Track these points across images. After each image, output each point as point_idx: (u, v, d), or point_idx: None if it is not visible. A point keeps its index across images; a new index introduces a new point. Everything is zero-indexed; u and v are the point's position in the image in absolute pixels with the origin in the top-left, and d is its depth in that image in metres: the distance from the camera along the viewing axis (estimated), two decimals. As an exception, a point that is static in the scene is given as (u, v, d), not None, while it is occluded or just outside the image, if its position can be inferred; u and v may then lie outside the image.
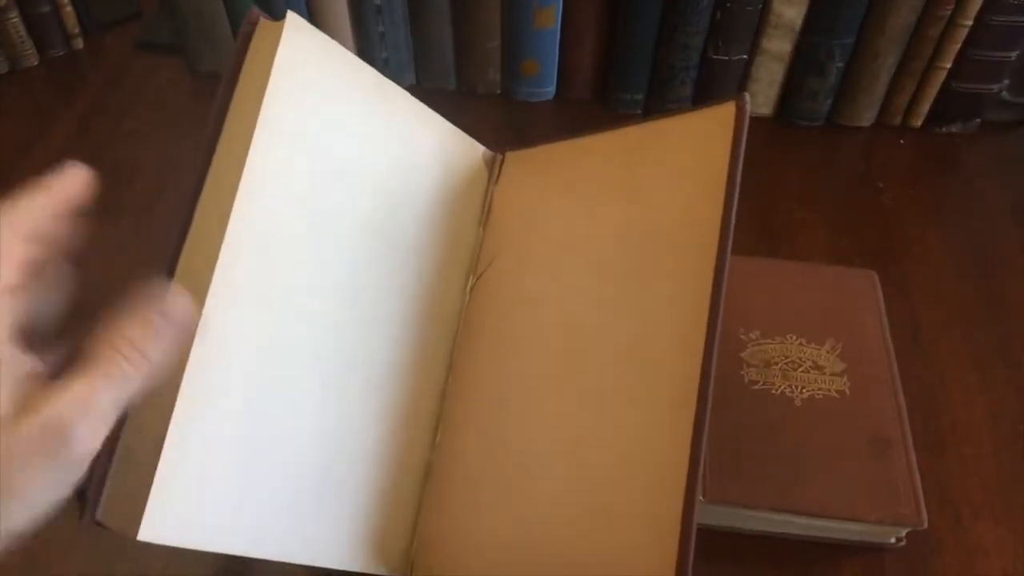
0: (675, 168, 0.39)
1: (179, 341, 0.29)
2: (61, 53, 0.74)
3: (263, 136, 0.33)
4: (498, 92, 0.71)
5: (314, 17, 0.68)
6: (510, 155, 0.47)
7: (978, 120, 0.69)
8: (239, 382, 0.33)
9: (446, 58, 0.70)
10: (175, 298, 0.29)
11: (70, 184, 0.30)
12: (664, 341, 0.36)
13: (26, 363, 0.26)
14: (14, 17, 0.70)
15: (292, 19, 0.36)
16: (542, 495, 0.37)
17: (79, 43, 0.75)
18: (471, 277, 0.45)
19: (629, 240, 0.39)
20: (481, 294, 0.44)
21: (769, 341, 0.48)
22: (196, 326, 0.30)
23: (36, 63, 0.73)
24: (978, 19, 0.61)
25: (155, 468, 0.30)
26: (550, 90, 0.70)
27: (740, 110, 0.37)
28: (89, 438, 0.25)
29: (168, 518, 0.30)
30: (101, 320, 0.27)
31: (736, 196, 0.36)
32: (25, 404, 0.25)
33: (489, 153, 0.47)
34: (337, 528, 0.37)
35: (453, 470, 0.41)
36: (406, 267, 0.42)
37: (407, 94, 0.43)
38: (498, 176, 0.47)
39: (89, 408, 0.25)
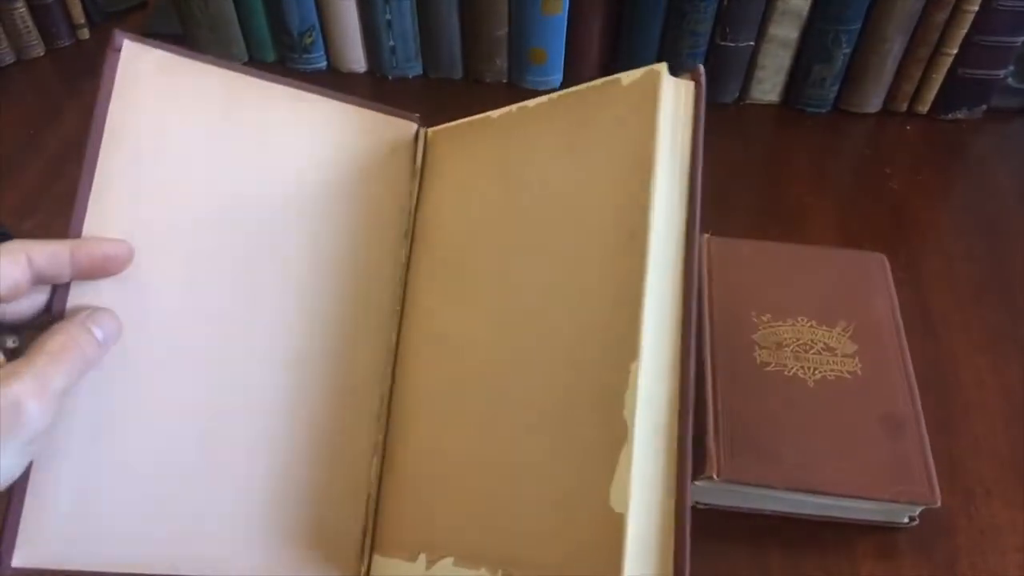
0: (604, 141, 0.37)
1: (114, 335, 0.33)
2: (67, 44, 0.74)
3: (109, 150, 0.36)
4: (505, 81, 0.72)
5: (321, 8, 0.68)
6: (434, 132, 0.45)
7: (984, 106, 0.69)
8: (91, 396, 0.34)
9: (453, 47, 0.70)
10: (103, 311, 0.33)
11: (108, 252, 0.34)
12: (596, 342, 0.33)
13: None
14: (20, 7, 0.70)
15: (127, 47, 0.36)
16: (487, 490, 0.35)
17: (85, 33, 0.75)
18: (401, 266, 0.43)
19: (565, 222, 0.37)
20: (416, 284, 0.43)
21: (781, 323, 0.48)
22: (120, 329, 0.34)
23: (42, 53, 0.73)
24: (984, 5, 0.61)
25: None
26: (557, 78, 0.70)
27: (697, 84, 0.35)
28: (42, 416, 0.29)
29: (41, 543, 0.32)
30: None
31: (699, 177, 0.34)
32: None
33: (413, 130, 0.45)
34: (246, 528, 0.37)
35: (406, 462, 0.39)
36: (298, 264, 0.40)
37: (275, 87, 0.41)
38: (423, 155, 0.45)
39: (41, 389, 0.29)
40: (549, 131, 0.39)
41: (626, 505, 0.29)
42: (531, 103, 0.41)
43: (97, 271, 0.33)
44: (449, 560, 0.35)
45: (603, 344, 0.33)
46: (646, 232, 0.33)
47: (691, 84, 0.35)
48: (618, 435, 0.31)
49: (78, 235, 0.34)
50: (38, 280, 0.32)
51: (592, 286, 0.34)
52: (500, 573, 0.33)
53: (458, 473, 0.37)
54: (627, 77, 0.36)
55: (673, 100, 0.35)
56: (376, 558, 0.38)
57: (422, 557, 0.36)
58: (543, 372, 0.35)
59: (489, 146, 0.42)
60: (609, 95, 0.37)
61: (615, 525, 0.29)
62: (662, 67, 0.35)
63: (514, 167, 0.40)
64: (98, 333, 0.32)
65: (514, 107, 0.41)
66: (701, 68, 0.35)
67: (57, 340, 0.31)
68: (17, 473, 0.30)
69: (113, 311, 0.33)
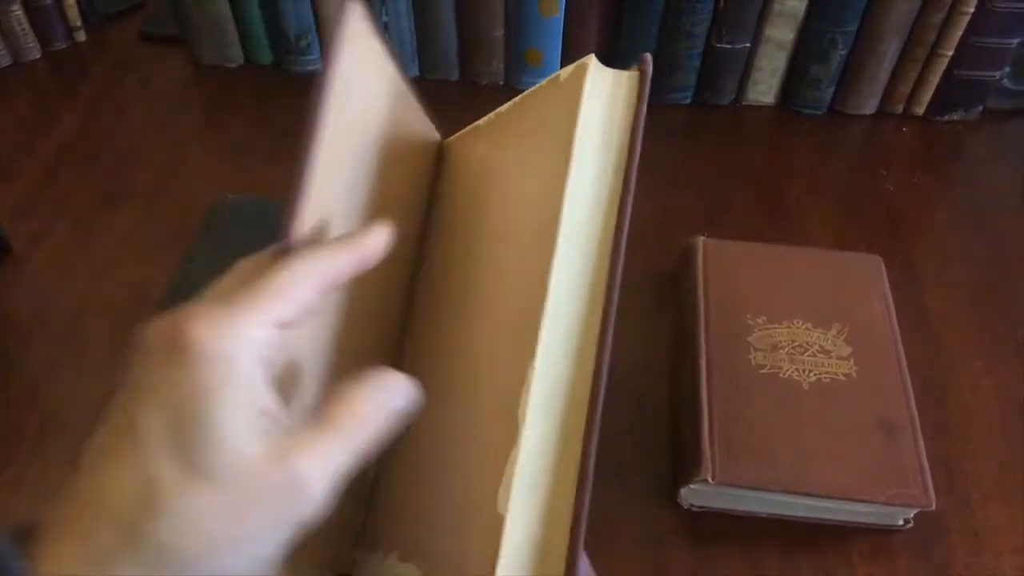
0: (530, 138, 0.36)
1: (399, 414, 0.29)
2: (64, 46, 0.74)
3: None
4: (502, 83, 0.72)
5: (318, 10, 0.68)
6: (448, 142, 0.45)
7: (980, 108, 0.69)
8: None
9: (450, 48, 0.70)
10: (399, 377, 0.29)
11: (374, 247, 0.31)
12: (507, 343, 0.33)
13: (269, 400, 0.26)
14: (16, 9, 0.70)
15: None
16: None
17: (82, 35, 0.75)
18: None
19: (508, 224, 0.36)
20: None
21: (776, 325, 0.48)
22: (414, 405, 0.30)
23: (38, 56, 0.73)
24: (980, 6, 0.61)
25: None
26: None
27: (642, 75, 0.34)
28: (323, 494, 0.25)
29: None
30: (341, 385, 0.28)
31: (634, 170, 0.32)
32: (273, 450, 0.25)
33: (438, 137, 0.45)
34: None
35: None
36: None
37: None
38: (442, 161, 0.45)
39: (329, 466, 0.26)
40: (511, 133, 0.39)
41: (506, 507, 0.28)
42: (504, 107, 0.41)
43: (363, 269, 0.30)
44: (395, 554, 0.35)
45: (511, 344, 0.32)
46: (554, 227, 0.31)
47: (635, 75, 0.34)
48: (511, 436, 0.30)
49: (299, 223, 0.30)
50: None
51: (511, 288, 0.34)
52: (423, 571, 0.32)
53: (406, 470, 0.37)
54: (564, 72, 0.36)
55: (607, 92, 0.34)
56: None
57: (380, 550, 0.36)
58: (474, 376, 0.34)
59: (472, 155, 0.42)
60: (549, 92, 0.37)
61: (497, 527, 0.28)
62: (590, 59, 0.34)
63: (486, 173, 0.40)
64: (393, 403, 0.28)
65: (493, 113, 0.41)
66: (648, 58, 0.34)
67: (350, 411, 0.27)
68: (276, 553, 0.25)
69: (407, 378, 0.29)
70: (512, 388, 0.30)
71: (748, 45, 0.66)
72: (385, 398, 0.28)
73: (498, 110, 0.41)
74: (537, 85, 0.38)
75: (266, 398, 0.25)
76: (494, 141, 0.41)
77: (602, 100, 0.34)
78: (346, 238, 0.30)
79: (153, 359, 0.24)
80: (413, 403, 0.29)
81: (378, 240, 0.31)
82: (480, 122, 0.42)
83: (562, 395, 0.30)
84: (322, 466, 0.25)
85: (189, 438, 0.23)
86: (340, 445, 0.26)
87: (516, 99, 0.40)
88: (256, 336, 0.25)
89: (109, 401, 0.25)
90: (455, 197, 0.43)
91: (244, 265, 0.29)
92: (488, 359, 0.34)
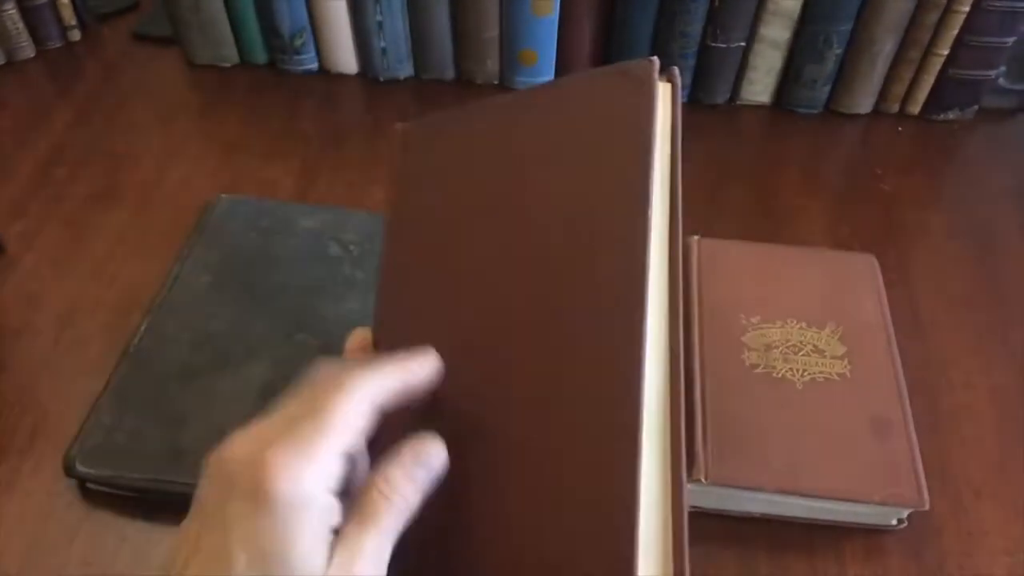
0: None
1: (431, 485, 0.31)
2: (58, 45, 0.74)
3: None
4: (496, 82, 0.71)
5: (312, 10, 0.68)
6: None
7: (976, 107, 0.69)
8: None
9: (444, 48, 0.69)
10: (433, 445, 0.31)
11: (427, 374, 0.33)
12: None
13: (338, 517, 0.28)
14: (10, 9, 0.70)
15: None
16: None
17: (76, 35, 0.75)
18: None
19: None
20: None
21: (770, 325, 0.48)
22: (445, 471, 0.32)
23: (32, 55, 0.73)
24: (975, 5, 0.61)
25: None
26: (548, 79, 0.70)
27: (674, 87, 0.34)
28: None
29: None
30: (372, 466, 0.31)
31: (679, 183, 0.34)
32: (335, 562, 0.27)
33: None
34: None
35: None
36: None
37: None
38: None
39: (381, 564, 0.28)
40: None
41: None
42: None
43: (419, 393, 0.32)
44: None
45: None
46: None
47: (667, 86, 0.34)
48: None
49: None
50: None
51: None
52: None
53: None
54: (628, 69, 0.35)
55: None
56: None
57: None
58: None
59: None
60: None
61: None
62: (654, 63, 0.34)
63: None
64: (431, 478, 0.31)
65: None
66: (676, 71, 0.34)
67: (388, 501, 0.29)
68: None
69: (440, 443, 0.31)
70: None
71: (743, 44, 0.66)
72: (424, 476, 0.30)
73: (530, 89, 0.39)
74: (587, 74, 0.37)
75: (336, 517, 0.28)
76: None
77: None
78: (401, 360, 0.32)
79: (241, 495, 0.27)
80: (443, 465, 0.31)
81: (432, 369, 0.33)
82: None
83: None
84: (365, 560, 0.28)
85: (273, 572, 0.26)
86: (387, 537, 0.29)
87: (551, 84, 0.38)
88: (331, 472, 0.28)
89: (185, 524, 0.28)
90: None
91: (317, 375, 0.31)
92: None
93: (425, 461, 0.31)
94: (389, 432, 0.31)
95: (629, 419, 0.29)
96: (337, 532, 0.28)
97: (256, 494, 0.26)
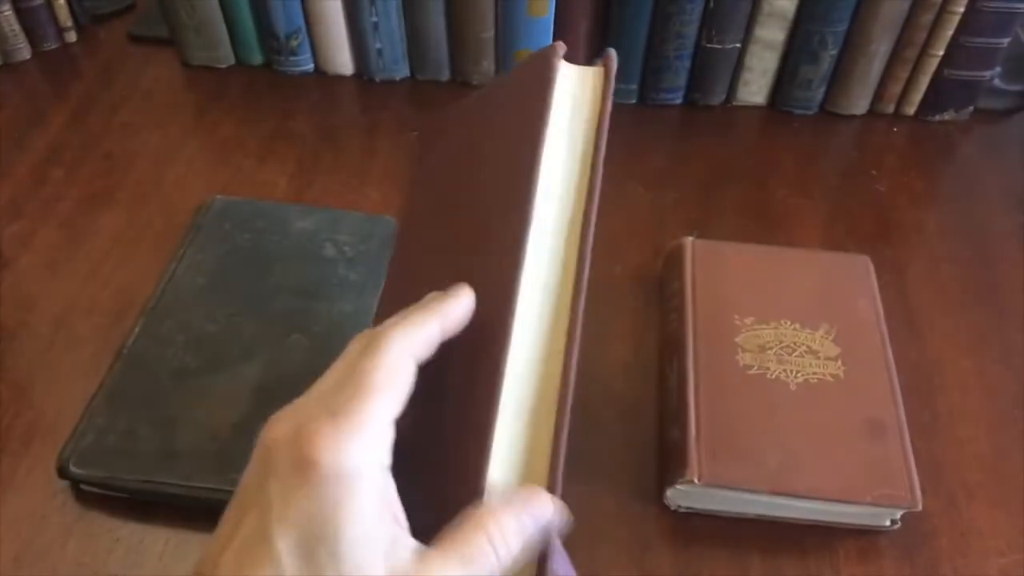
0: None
1: (538, 540, 0.28)
2: (54, 46, 0.74)
3: None
4: (492, 83, 0.72)
5: (307, 10, 0.68)
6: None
7: (971, 108, 0.69)
8: None
9: (440, 49, 0.69)
10: (547, 499, 0.28)
11: (463, 312, 0.30)
12: None
13: (398, 507, 0.26)
14: (6, 10, 0.70)
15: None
16: None
17: (72, 36, 0.75)
18: None
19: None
20: None
21: (764, 326, 0.48)
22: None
23: (28, 56, 0.73)
24: (970, 6, 0.61)
25: None
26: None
27: (607, 69, 0.34)
28: None
29: None
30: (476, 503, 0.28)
31: (600, 167, 0.32)
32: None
33: None
34: None
35: None
36: None
37: None
38: None
39: None
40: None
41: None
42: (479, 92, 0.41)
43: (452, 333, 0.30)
44: None
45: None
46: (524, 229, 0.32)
47: (600, 71, 0.34)
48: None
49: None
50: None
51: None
52: None
53: None
54: (531, 58, 0.36)
55: (572, 88, 0.34)
56: None
57: None
58: None
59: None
60: (520, 77, 0.37)
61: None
62: (559, 47, 0.34)
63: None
64: (537, 531, 0.27)
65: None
66: (612, 53, 0.34)
67: (483, 530, 0.26)
68: None
69: (550, 498, 0.28)
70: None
71: (738, 45, 0.66)
72: (532, 531, 0.27)
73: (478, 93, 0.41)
74: (512, 70, 0.38)
75: (395, 504, 0.26)
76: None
77: (568, 97, 0.34)
78: (433, 305, 0.30)
79: (281, 472, 0.25)
80: (553, 520, 0.28)
81: (466, 306, 0.30)
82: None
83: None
84: None
85: (320, 560, 0.24)
86: (477, 569, 0.26)
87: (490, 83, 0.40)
88: (379, 442, 0.25)
89: (224, 515, 0.26)
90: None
91: (353, 346, 0.29)
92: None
93: (540, 516, 0.28)
94: None
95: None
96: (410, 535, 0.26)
97: (299, 467, 0.24)
